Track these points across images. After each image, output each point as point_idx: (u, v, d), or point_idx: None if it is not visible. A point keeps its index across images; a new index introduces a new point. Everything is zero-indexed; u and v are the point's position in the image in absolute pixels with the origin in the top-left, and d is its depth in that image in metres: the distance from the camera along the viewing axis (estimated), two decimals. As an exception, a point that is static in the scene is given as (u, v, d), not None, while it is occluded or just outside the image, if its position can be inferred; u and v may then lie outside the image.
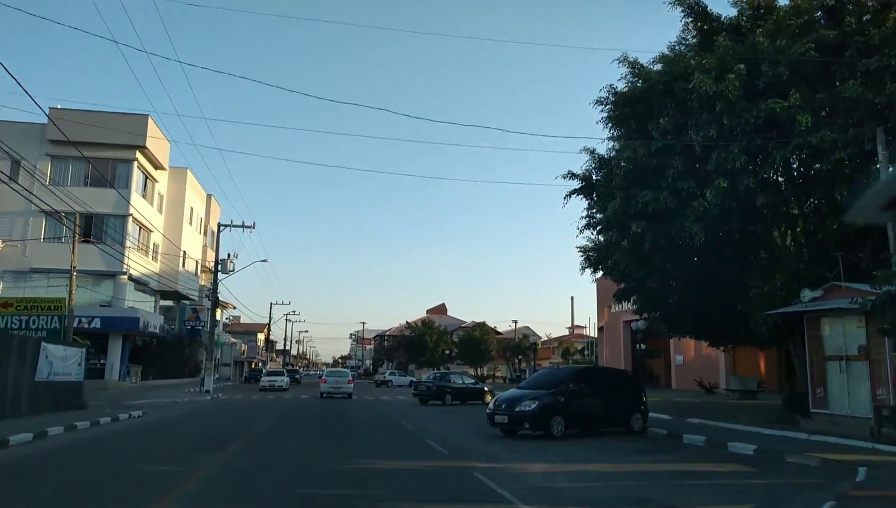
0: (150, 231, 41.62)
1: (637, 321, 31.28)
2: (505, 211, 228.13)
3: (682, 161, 15.92)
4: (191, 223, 47.62)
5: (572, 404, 14.75)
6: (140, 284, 40.40)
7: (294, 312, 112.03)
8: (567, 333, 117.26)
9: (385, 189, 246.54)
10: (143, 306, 41.42)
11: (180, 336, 49.37)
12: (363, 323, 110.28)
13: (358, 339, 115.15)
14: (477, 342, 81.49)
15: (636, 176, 16.45)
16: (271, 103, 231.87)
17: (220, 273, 37.94)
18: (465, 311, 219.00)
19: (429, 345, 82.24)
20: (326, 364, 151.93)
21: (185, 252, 45.32)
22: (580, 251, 25.62)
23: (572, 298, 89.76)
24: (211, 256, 55.35)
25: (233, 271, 38.07)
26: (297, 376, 58.60)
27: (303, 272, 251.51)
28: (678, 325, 22.67)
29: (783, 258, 16.63)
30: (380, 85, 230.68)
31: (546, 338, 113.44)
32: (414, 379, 64.71)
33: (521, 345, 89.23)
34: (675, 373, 48.66)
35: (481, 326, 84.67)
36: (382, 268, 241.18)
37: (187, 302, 51.27)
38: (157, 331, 40.43)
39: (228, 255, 37.99)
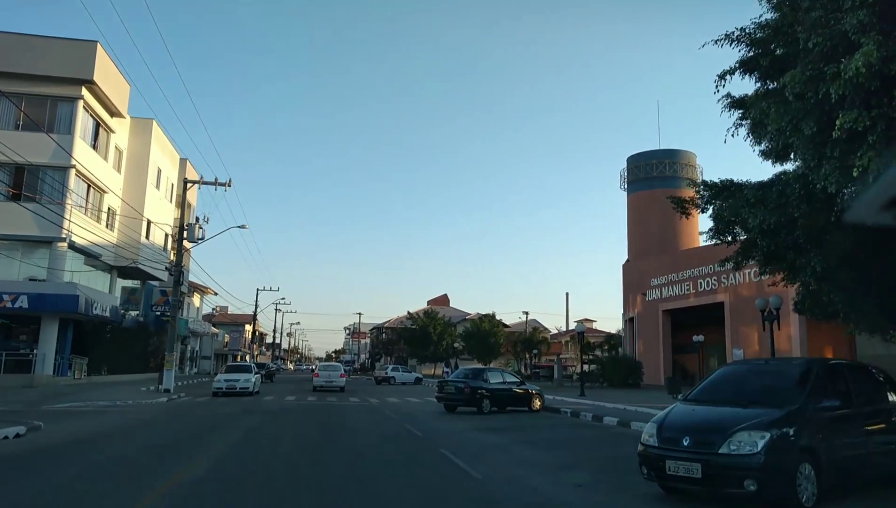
0: (104, 192, 33.79)
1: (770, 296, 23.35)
2: (509, 203, 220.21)
3: None
4: (158, 187, 39.64)
5: (824, 438, 7.12)
6: (89, 256, 32.56)
7: (283, 299, 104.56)
8: (572, 326, 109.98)
9: (379, 172, 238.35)
10: (95, 283, 33.67)
11: (145, 324, 41.59)
12: (359, 314, 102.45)
13: (354, 331, 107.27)
14: (485, 335, 73.80)
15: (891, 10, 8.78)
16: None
17: (187, 242, 30.22)
18: (467, 303, 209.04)
19: (432, 338, 74.63)
20: (319, 359, 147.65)
21: (149, 221, 37.43)
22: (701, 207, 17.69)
23: (567, 293, 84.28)
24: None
25: (202, 239, 30.30)
26: (263, 371, 42.07)
27: (293, 262, 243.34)
28: (858, 300, 14.75)
29: None
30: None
31: (556, 331, 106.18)
32: (419, 375, 56.88)
33: (533, 339, 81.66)
34: (733, 371, 41.01)
35: (490, 318, 76.77)
36: (378, 258, 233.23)
37: (155, 283, 43.47)
38: (108, 314, 32.56)
39: (197, 219, 30.24)
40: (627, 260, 65.20)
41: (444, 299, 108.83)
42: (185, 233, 29.63)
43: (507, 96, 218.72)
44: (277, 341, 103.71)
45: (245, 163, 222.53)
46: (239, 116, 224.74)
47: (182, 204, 29.89)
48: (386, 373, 51.11)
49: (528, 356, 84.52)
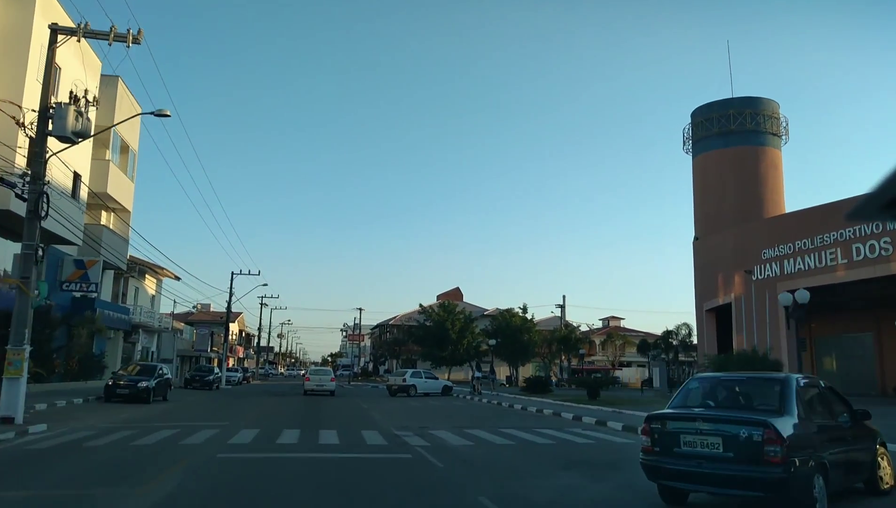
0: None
1: None
2: (519, 195, 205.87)
3: None
4: (55, 94, 25.21)
5: None
6: None
7: (265, 285, 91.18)
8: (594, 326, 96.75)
9: (379, 162, 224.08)
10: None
11: (46, 308, 27.34)
12: (360, 309, 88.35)
13: (353, 330, 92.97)
14: (516, 332, 59.64)
15: None
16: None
17: (56, 137, 16.26)
18: (480, 298, 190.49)
19: (451, 336, 60.58)
20: (315, 363, 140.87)
21: (30, 136, 23.11)
22: None
23: (564, 296, 72.70)
24: (116, 181, 33.11)
25: (83, 134, 16.19)
26: (141, 383, 24.40)
27: (282, 258, 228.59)
28: None
29: None
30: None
31: (588, 328, 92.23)
32: (448, 383, 41.48)
33: (570, 337, 67.43)
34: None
35: (520, 313, 62.60)
36: (378, 251, 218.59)
37: (67, 250, 29.56)
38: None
39: (73, 96, 16.24)
40: (696, 237, 51.48)
41: (456, 293, 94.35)
42: (49, 122, 15.62)
43: (514, 87, 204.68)
44: (265, 341, 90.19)
45: (219, 135, 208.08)
46: (218, 106, 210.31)
47: (46, 70, 16.00)
48: (404, 380, 36.68)
49: (563, 357, 70.55)
